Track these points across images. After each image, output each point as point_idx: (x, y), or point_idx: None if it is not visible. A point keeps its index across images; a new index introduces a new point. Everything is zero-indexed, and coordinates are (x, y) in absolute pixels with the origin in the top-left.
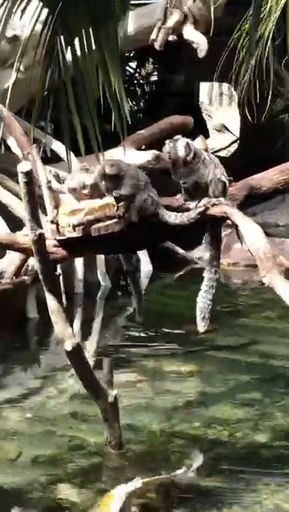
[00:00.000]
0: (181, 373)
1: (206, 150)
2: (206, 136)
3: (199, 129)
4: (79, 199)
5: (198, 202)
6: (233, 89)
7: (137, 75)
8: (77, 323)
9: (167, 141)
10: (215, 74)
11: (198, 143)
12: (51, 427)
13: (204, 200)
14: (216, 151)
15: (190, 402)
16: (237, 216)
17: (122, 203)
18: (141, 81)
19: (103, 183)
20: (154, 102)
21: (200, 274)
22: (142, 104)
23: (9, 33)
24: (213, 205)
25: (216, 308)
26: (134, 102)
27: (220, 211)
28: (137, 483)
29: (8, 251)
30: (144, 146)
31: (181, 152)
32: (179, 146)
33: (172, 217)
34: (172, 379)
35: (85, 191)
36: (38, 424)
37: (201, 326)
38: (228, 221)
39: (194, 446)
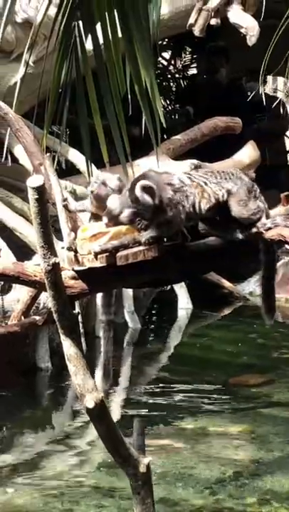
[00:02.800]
0: (229, 435)
1: (259, 159)
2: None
3: (249, 132)
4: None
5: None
6: None
7: (171, 67)
8: (99, 374)
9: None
10: (263, 65)
11: (248, 151)
12: (69, 504)
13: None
14: None
15: (240, 472)
16: None
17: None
18: (176, 75)
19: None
20: (193, 101)
21: (251, 313)
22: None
23: (19, 18)
24: (268, 228)
25: (272, 356)
26: (168, 101)
27: (277, 234)
28: None
29: (14, 285)
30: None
31: (143, 198)
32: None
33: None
34: (218, 442)
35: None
36: (52, 500)
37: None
38: (287, 246)
39: None
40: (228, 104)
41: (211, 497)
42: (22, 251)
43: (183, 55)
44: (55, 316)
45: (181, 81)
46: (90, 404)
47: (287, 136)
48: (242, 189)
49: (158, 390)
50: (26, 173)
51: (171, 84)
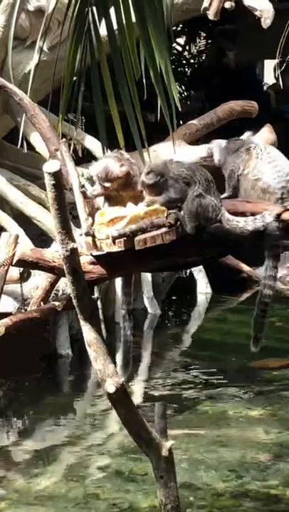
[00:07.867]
0: (250, 418)
1: (276, 142)
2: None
3: (267, 115)
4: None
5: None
6: None
7: (186, 52)
8: (120, 359)
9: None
10: (279, 48)
11: (265, 134)
12: (92, 489)
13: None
14: None
15: (263, 455)
16: None
17: (171, 213)
18: (191, 60)
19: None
20: (208, 85)
21: None
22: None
23: (32, 6)
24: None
25: None
26: (184, 86)
27: None
28: None
29: (33, 272)
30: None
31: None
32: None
33: (242, 224)
34: (239, 426)
35: (107, 184)
36: (75, 484)
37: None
38: None
39: (271, 510)
40: (240, 87)
41: (235, 480)
42: (41, 239)
43: (198, 40)
44: (74, 301)
45: (196, 66)
46: (111, 389)
47: None
48: None
49: (178, 374)
50: (43, 160)
51: (186, 69)
